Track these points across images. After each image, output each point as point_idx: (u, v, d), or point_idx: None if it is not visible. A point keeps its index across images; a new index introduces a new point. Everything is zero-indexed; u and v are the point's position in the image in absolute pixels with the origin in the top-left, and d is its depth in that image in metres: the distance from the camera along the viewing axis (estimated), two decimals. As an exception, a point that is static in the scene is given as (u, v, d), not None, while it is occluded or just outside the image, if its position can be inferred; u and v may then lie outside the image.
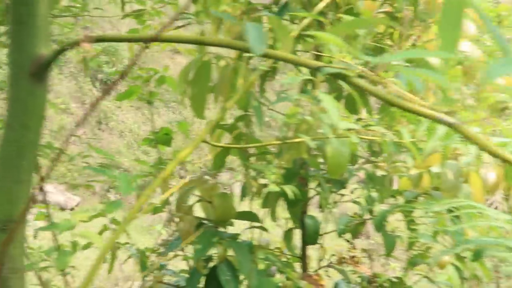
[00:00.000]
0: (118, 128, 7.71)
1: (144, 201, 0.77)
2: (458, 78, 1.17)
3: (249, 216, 1.26)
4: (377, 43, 1.42)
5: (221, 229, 1.28)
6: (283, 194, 1.17)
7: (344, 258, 1.67)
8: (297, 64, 0.50)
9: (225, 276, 1.16)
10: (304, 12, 1.02)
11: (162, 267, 1.48)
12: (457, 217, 1.19)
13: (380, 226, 1.29)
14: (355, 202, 1.51)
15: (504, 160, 0.49)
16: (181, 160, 0.80)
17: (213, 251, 1.24)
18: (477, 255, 0.93)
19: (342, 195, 1.62)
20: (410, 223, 1.31)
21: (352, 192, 1.61)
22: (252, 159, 1.33)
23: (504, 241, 0.88)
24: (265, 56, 0.50)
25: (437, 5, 1.39)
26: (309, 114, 0.97)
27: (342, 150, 1.04)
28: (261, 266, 1.48)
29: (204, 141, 0.85)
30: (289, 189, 1.06)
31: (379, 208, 1.35)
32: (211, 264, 1.24)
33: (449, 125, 0.43)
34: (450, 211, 1.21)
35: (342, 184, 1.44)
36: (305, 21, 0.90)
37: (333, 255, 1.77)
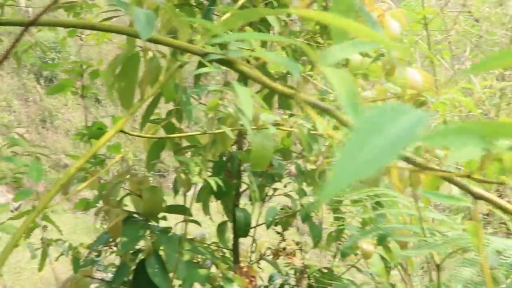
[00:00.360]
0: (64, 127, 7.49)
1: (56, 191, 0.77)
2: (378, 73, 1.23)
3: (180, 209, 1.27)
4: (309, 41, 1.47)
5: (153, 223, 1.29)
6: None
7: (279, 250, 1.71)
8: (183, 50, 0.52)
9: (153, 269, 1.17)
10: (228, 7, 1.04)
11: (94, 262, 1.47)
12: (379, 206, 1.25)
13: (306, 217, 1.33)
14: (286, 195, 1.55)
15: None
16: (95, 151, 0.80)
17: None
18: (381, 240, 0.98)
19: (275, 189, 1.66)
20: (336, 213, 1.36)
21: (285, 186, 1.65)
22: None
23: (410, 227, 0.94)
24: (151, 41, 0.52)
25: (367, 3, 1.45)
26: (232, 107, 0.99)
27: (265, 143, 1.07)
28: (200, 259, 1.50)
29: (122, 131, 0.85)
30: (213, 182, 1.08)
31: (306, 200, 1.39)
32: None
33: (324, 110, 0.46)
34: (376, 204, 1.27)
35: (273, 177, 1.48)
36: (227, 14, 0.92)
37: (269, 248, 1.81)
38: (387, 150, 0.19)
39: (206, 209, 1.46)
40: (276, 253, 1.73)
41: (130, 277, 1.24)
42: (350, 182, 0.18)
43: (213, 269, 1.43)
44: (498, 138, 0.24)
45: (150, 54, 1.09)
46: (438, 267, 0.95)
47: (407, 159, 0.48)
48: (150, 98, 1.29)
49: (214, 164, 1.25)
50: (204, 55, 0.50)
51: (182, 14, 0.54)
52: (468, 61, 2.66)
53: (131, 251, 1.22)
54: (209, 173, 1.32)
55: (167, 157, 2.00)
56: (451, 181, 0.45)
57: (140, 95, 0.94)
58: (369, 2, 1.45)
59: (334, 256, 1.50)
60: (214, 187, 1.04)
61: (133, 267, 1.23)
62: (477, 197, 0.44)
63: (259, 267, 1.62)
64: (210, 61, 0.50)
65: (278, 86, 0.46)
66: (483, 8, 3.08)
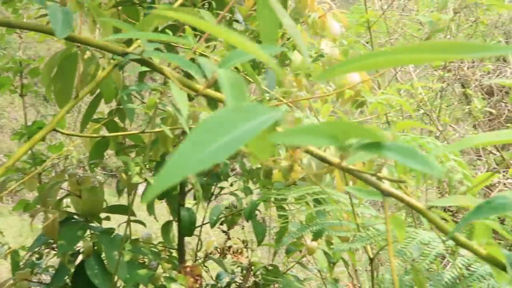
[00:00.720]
0: (10, 126, 7.20)
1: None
2: (317, 73, 1.26)
3: (121, 209, 1.26)
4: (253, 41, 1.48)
5: (95, 224, 1.27)
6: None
7: (225, 249, 1.72)
8: (102, 49, 0.52)
9: (93, 271, 1.15)
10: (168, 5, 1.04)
11: (35, 265, 1.43)
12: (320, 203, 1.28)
13: (250, 215, 1.35)
14: (232, 194, 1.56)
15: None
16: (25, 151, 0.79)
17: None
18: (316, 235, 1.01)
19: (222, 187, 1.67)
20: (280, 210, 1.38)
21: (231, 185, 1.66)
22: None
23: (345, 223, 0.97)
24: (69, 39, 0.52)
25: (309, 3, 1.48)
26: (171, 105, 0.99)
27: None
28: (146, 260, 1.48)
29: (55, 130, 0.83)
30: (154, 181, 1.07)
31: (250, 198, 1.40)
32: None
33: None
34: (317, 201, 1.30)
35: (218, 176, 1.49)
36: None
37: (217, 247, 1.82)
38: (229, 145, 0.20)
39: (150, 209, 1.45)
40: (223, 252, 1.74)
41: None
42: (191, 172, 0.19)
43: (160, 269, 1.42)
44: (348, 138, 0.26)
45: (89, 53, 1.08)
46: (372, 260, 0.99)
47: (322, 159, 0.51)
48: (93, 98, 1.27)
49: (156, 164, 1.24)
50: (124, 54, 0.50)
51: (103, 13, 0.54)
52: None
53: (71, 253, 1.20)
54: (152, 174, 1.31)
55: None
56: (361, 179, 0.48)
57: (76, 94, 0.92)
58: (311, 3, 1.48)
59: (275, 254, 1.52)
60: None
61: (73, 269, 1.21)
62: (385, 194, 0.47)
63: (205, 266, 1.62)
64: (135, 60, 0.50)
65: (197, 86, 0.47)
66: (426, 12, 3.20)
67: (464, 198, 0.44)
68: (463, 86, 3.37)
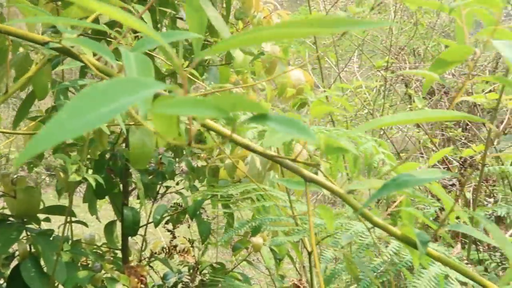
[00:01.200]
0: None
1: None
2: (258, 71, 1.27)
3: (59, 210, 1.22)
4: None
5: (33, 225, 1.22)
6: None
7: (171, 248, 1.70)
8: (24, 39, 0.50)
9: (30, 273, 1.11)
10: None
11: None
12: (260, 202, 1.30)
13: (194, 213, 1.34)
14: (177, 192, 1.54)
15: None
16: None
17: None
18: (255, 231, 1.02)
19: (168, 186, 1.66)
20: (226, 208, 1.39)
21: (177, 184, 1.65)
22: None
23: (285, 218, 0.99)
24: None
25: (255, 3, 1.49)
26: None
27: (145, 140, 1.07)
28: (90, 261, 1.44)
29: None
30: (92, 179, 1.05)
31: (194, 197, 1.40)
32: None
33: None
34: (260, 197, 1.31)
35: (163, 175, 1.47)
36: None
37: (164, 247, 1.79)
38: (105, 115, 0.20)
39: (92, 210, 1.41)
40: (169, 251, 1.73)
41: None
42: (65, 138, 0.19)
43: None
44: (235, 110, 0.27)
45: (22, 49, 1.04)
46: (310, 254, 1.01)
47: (247, 146, 0.51)
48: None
49: (95, 162, 1.21)
50: (44, 44, 0.48)
51: (27, 4, 0.52)
52: (356, 64, 2.84)
53: (5, 256, 1.15)
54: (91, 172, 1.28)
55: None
56: (284, 165, 0.48)
57: (5, 90, 0.89)
58: (256, 3, 1.49)
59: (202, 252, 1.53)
60: (93, 185, 1.01)
61: (8, 272, 1.16)
62: (307, 180, 0.48)
63: (150, 266, 1.60)
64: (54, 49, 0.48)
65: (111, 71, 0.46)
66: (371, 15, 3.29)
67: (375, 181, 0.46)
68: (406, 86, 3.49)
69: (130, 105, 0.21)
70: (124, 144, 1.45)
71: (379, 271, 0.71)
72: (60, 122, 0.20)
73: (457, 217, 0.53)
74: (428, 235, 0.42)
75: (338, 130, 0.86)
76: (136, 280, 1.39)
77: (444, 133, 3.05)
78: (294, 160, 0.46)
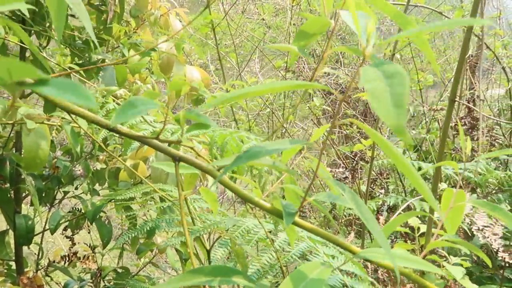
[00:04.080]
0: None
1: None
2: (155, 70, 1.27)
3: None
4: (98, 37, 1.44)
5: None
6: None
7: (71, 255, 1.64)
8: None
9: None
10: None
11: None
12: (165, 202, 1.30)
13: (93, 217, 1.31)
14: (76, 197, 1.49)
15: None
16: None
17: None
18: (150, 234, 1.02)
19: (66, 191, 1.59)
20: (128, 210, 1.37)
21: (76, 188, 1.59)
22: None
23: (179, 217, 1.00)
24: None
25: (151, 1, 1.48)
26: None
27: (40, 143, 1.02)
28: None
29: None
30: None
31: (92, 201, 1.36)
32: None
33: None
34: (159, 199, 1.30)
35: (59, 179, 1.41)
36: None
37: (63, 255, 1.72)
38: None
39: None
40: (69, 259, 1.66)
41: None
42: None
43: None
44: (14, 78, 0.28)
45: None
46: (209, 253, 1.03)
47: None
48: None
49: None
50: None
51: None
52: (257, 64, 2.92)
53: None
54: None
55: None
56: (151, 145, 0.49)
57: None
58: (153, 1, 1.49)
59: (120, 256, 1.50)
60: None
61: None
62: (177, 159, 0.49)
63: (47, 276, 1.52)
64: None
65: None
66: (272, 17, 3.41)
67: (226, 160, 0.48)
68: (305, 86, 3.65)
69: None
70: (14, 149, 1.37)
71: (267, 264, 0.75)
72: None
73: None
74: (294, 207, 0.44)
75: (224, 130, 0.89)
76: (32, 291, 1.32)
77: (341, 130, 3.24)
78: (156, 139, 0.47)
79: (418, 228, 1.24)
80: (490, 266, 0.73)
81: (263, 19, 3.35)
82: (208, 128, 0.45)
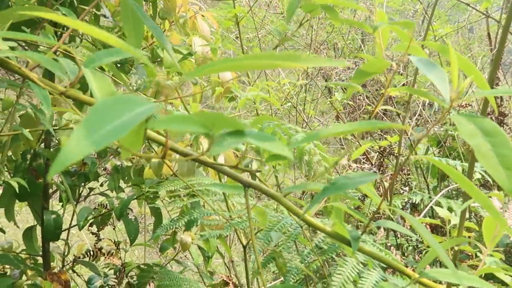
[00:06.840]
0: None
1: None
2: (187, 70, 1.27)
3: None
4: (122, 37, 1.44)
5: None
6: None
7: (96, 251, 1.65)
8: None
9: None
10: None
11: None
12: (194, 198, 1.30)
13: (121, 214, 1.32)
14: (102, 194, 1.50)
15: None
16: None
17: None
18: (189, 226, 1.02)
19: (92, 188, 1.60)
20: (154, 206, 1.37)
21: (101, 185, 1.60)
22: None
23: (219, 212, 1.00)
24: None
25: (183, 3, 1.48)
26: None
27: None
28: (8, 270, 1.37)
29: None
30: (15, 182, 1.00)
31: (120, 197, 1.37)
32: None
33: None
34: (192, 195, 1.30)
35: (86, 176, 1.42)
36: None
37: (88, 250, 1.74)
38: (121, 128, 0.23)
39: (9, 215, 1.34)
40: (94, 254, 1.68)
41: None
42: (87, 152, 0.22)
43: (25, 278, 1.32)
44: (215, 127, 0.31)
45: None
46: (245, 248, 1.03)
47: (184, 153, 0.52)
48: None
49: (16, 164, 1.15)
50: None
51: None
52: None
53: None
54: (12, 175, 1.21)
55: None
56: (222, 171, 0.50)
57: None
58: (184, 3, 1.48)
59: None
60: (17, 188, 0.96)
61: None
62: (246, 185, 0.50)
63: (73, 271, 1.54)
64: None
65: (59, 87, 0.45)
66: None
67: (312, 184, 0.48)
68: (326, 81, 3.63)
69: (135, 121, 0.24)
70: (43, 144, 1.38)
71: (308, 259, 0.75)
72: (80, 137, 0.22)
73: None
74: (357, 232, 0.45)
75: (270, 123, 0.88)
76: (59, 286, 1.34)
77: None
78: (235, 167, 0.47)
79: (449, 221, 1.22)
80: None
81: (281, 13, 3.33)
82: (285, 160, 0.46)
